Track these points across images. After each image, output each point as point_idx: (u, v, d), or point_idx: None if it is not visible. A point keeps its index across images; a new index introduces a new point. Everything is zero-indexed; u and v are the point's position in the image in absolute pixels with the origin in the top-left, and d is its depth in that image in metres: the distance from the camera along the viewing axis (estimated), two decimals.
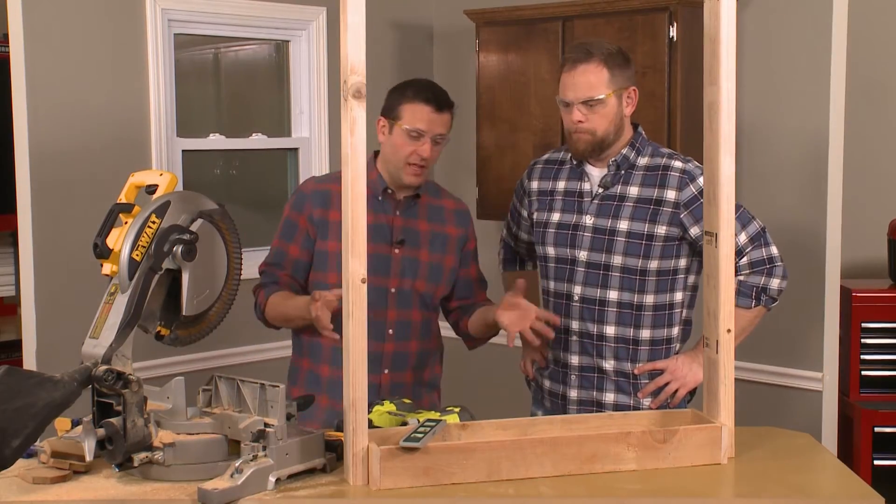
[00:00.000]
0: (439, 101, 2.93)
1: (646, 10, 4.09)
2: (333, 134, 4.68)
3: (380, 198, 2.99)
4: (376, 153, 3.04)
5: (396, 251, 2.98)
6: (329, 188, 3.01)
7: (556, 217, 3.01)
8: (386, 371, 2.98)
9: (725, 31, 2.43)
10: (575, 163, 3.00)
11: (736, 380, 2.50)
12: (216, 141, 4.57)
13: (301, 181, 4.66)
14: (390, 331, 2.99)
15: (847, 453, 4.07)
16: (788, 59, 4.08)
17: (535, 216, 3.07)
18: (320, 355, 3.00)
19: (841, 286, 4.08)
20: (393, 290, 2.98)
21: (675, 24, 4.01)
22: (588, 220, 2.94)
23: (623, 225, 2.90)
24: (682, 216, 2.87)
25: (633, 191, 2.92)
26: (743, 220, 2.87)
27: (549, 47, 4.37)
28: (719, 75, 2.44)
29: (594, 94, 2.85)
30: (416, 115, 2.91)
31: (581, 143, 2.90)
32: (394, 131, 2.94)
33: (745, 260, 2.87)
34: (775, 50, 4.10)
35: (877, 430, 4.06)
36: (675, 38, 4.01)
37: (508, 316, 2.82)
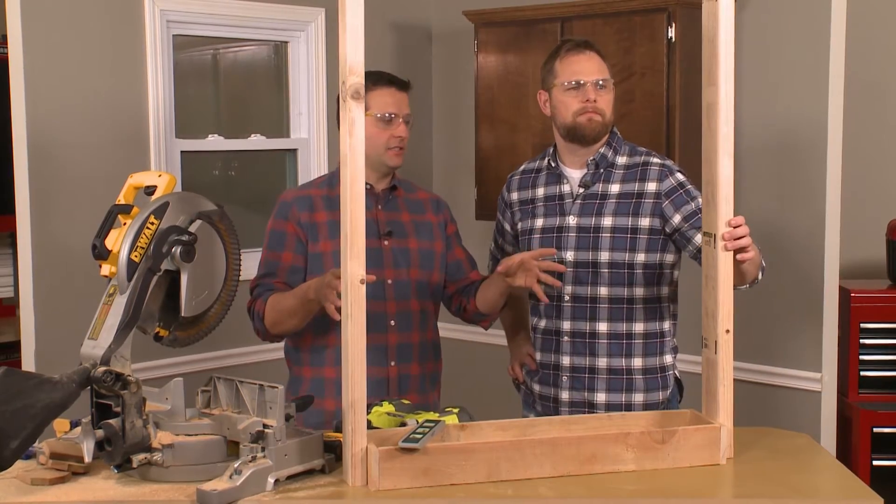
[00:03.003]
0: (399, 82, 3.01)
1: (644, 11, 4.09)
2: (332, 135, 4.67)
3: None
4: None
5: (386, 243, 3.01)
6: (310, 193, 3.06)
7: (539, 223, 3.03)
8: (393, 363, 2.99)
9: (724, 32, 2.43)
10: (553, 165, 3.02)
11: (735, 380, 2.51)
12: (215, 142, 4.57)
13: (300, 182, 4.67)
14: (392, 322, 3.00)
15: (846, 454, 4.08)
16: (787, 60, 4.07)
17: (518, 226, 3.09)
18: (323, 359, 2.99)
19: (840, 287, 4.08)
20: (390, 281, 2.99)
21: (674, 25, 4.01)
22: (572, 221, 2.96)
23: (607, 221, 2.92)
24: (663, 205, 2.90)
25: (615, 188, 2.96)
26: (692, 194, 2.88)
27: (548, 48, 4.30)
28: (718, 76, 2.44)
29: (606, 74, 2.94)
30: (383, 99, 2.95)
31: (595, 123, 2.92)
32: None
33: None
34: (773, 51, 4.10)
35: (875, 430, 4.06)
36: (673, 39, 4.01)
37: (519, 276, 2.78)
